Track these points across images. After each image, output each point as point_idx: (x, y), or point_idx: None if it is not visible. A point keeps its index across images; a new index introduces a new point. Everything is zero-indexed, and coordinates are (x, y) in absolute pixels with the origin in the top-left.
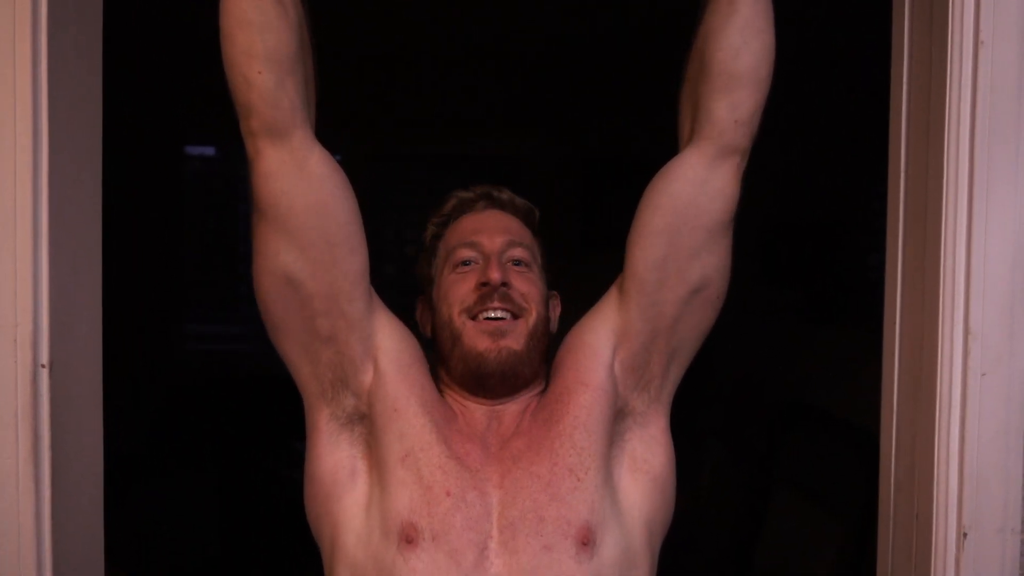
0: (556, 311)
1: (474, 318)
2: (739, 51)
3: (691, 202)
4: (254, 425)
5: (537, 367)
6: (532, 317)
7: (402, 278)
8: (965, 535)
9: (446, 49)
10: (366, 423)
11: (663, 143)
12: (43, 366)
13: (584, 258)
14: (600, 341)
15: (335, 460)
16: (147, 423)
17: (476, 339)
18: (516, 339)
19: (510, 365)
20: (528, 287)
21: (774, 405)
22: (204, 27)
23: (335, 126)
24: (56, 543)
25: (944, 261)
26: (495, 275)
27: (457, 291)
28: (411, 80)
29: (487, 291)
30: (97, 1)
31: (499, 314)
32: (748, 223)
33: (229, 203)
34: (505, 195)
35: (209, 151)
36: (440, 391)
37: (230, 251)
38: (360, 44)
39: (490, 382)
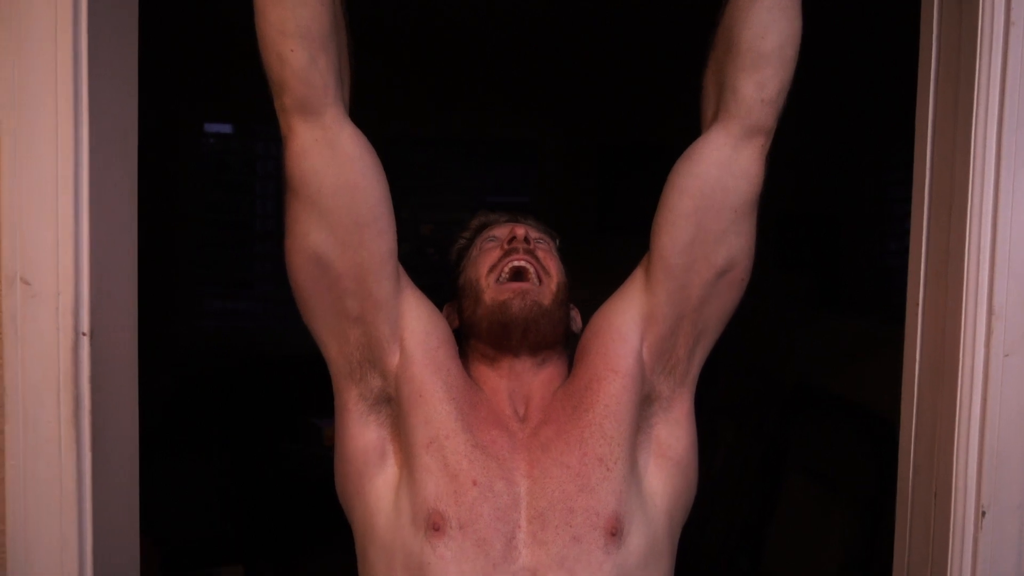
0: (577, 321)
1: (499, 281)
2: (767, 30)
3: (718, 183)
4: (268, 401)
5: (558, 332)
6: (555, 281)
7: (415, 258)
8: (984, 513)
9: (470, 36)
10: (393, 405)
11: (678, 131)
12: (84, 334)
13: (600, 243)
14: (628, 326)
15: (365, 440)
16: (164, 398)
17: (499, 292)
18: (540, 293)
19: (533, 315)
20: (551, 261)
21: (786, 388)
22: (223, 8)
23: (359, 109)
24: (96, 500)
25: (969, 242)
26: (520, 230)
27: (483, 259)
28: (434, 66)
29: (514, 245)
30: None
31: (523, 263)
32: (766, 210)
33: (246, 181)
34: (530, 220)
35: (227, 128)
36: (468, 370)
37: (247, 228)
38: (386, 30)
39: (514, 331)
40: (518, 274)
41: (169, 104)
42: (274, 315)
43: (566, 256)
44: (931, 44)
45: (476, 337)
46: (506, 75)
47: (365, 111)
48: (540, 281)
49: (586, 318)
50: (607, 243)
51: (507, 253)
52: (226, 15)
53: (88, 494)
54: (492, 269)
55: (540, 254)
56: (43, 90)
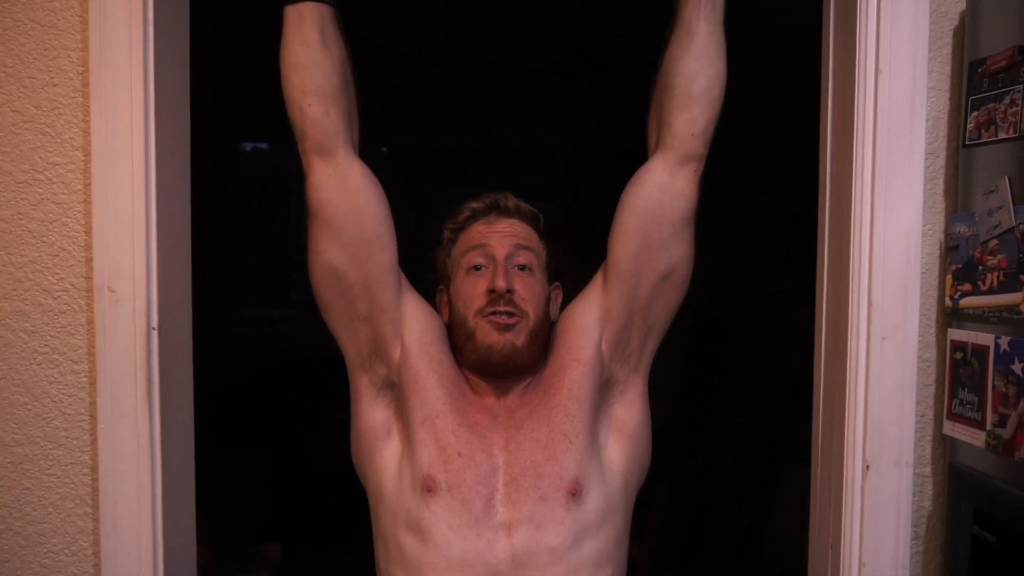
0: (557, 300)
1: (484, 317)
2: (695, 76)
3: (657, 203)
4: (303, 400)
5: (535, 358)
6: (531, 319)
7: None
8: (868, 467)
9: (484, 51)
10: (396, 390)
11: None
12: (153, 328)
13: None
14: (589, 323)
15: (374, 419)
16: (206, 400)
17: (487, 335)
18: (518, 335)
19: (512, 358)
20: (528, 292)
21: (786, 383)
22: (259, 37)
23: (381, 120)
24: (164, 455)
25: (853, 249)
26: (501, 283)
27: (471, 293)
28: (451, 79)
29: (495, 297)
30: (184, 21)
31: (504, 322)
32: (766, 215)
33: (282, 196)
34: (511, 202)
35: (263, 146)
36: (459, 363)
37: (282, 240)
38: (406, 46)
39: (497, 370)
40: (501, 326)
41: (209, 123)
42: (308, 321)
43: (552, 230)
44: (827, 95)
45: (464, 359)
46: (523, 87)
47: (390, 123)
48: (518, 323)
49: (560, 314)
50: None
51: (490, 302)
52: (259, 47)
53: (158, 450)
54: (479, 313)
55: (519, 292)
56: (122, 142)
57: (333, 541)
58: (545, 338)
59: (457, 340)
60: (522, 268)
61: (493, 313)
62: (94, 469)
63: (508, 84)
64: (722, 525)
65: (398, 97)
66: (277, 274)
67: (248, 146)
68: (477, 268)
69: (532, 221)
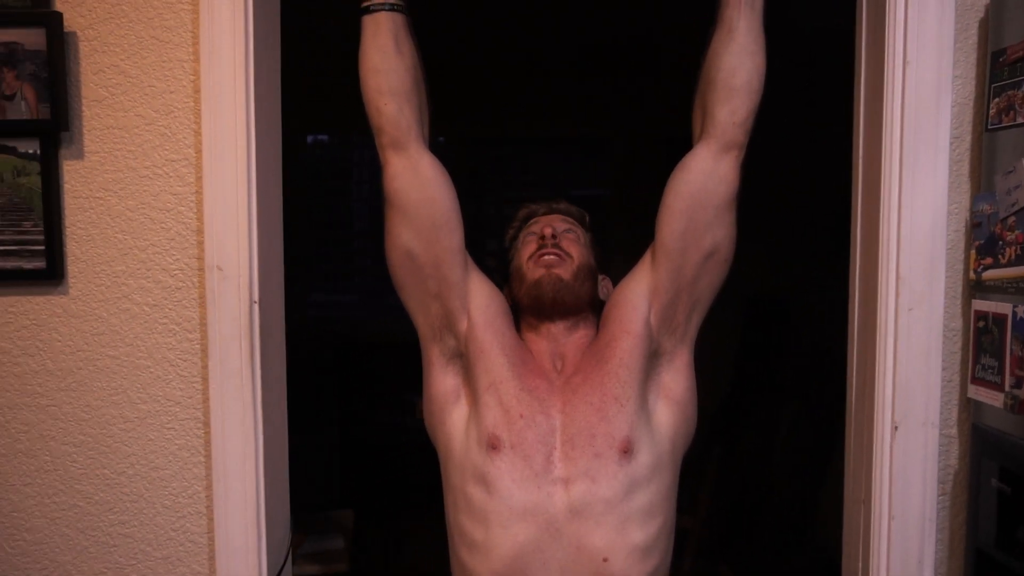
0: (605, 288)
1: (533, 259)
2: (736, 69)
3: (703, 187)
4: (369, 381)
5: (583, 302)
6: (575, 261)
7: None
8: (896, 427)
9: (537, 52)
10: (464, 359)
11: None
12: (255, 302)
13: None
14: (638, 298)
15: (444, 385)
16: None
17: (534, 271)
18: (563, 270)
19: (560, 289)
20: (572, 247)
21: (838, 363)
22: (322, 34)
23: (445, 115)
24: (264, 410)
25: (882, 228)
26: (547, 230)
27: (525, 250)
28: (507, 78)
29: (543, 242)
30: (276, 36)
31: (550, 256)
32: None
33: (344, 186)
34: (562, 205)
35: (323, 138)
36: (522, 336)
37: (346, 228)
38: (474, 52)
39: (546, 302)
40: (548, 264)
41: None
42: (368, 306)
43: (596, 232)
44: (860, 86)
45: (523, 310)
46: (581, 82)
47: (451, 117)
48: (563, 262)
49: (612, 291)
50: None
51: (540, 247)
52: (323, 50)
53: (260, 407)
54: (530, 257)
55: (564, 244)
56: (228, 141)
57: (400, 508)
58: (592, 286)
59: (515, 292)
60: (568, 232)
61: (541, 253)
62: (206, 424)
63: (558, 82)
64: (775, 502)
65: (458, 96)
66: (340, 260)
67: (310, 138)
68: (532, 235)
69: (579, 217)
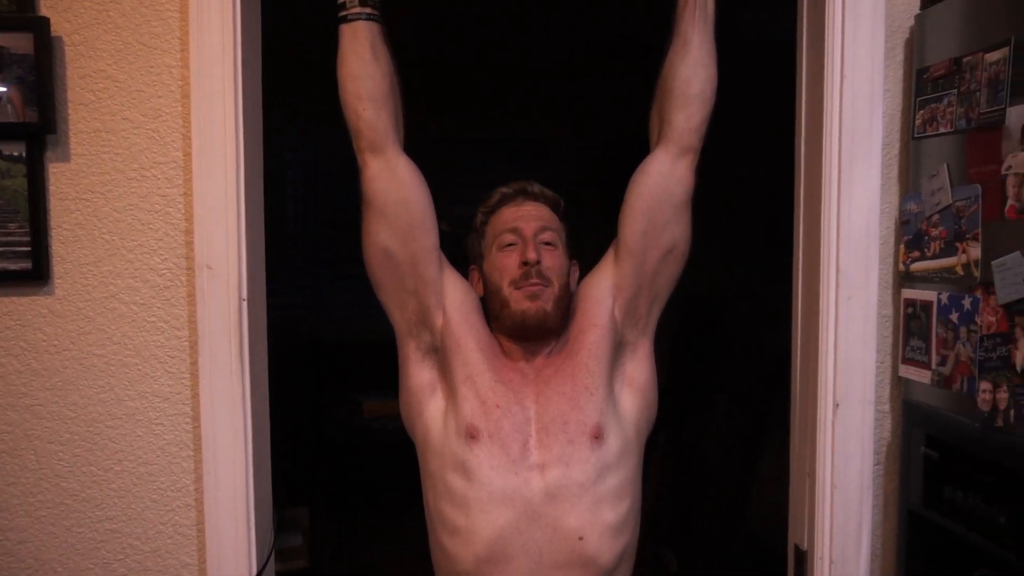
0: (575, 276)
1: (518, 288)
2: (691, 80)
3: (662, 188)
4: (318, 381)
5: (561, 321)
6: (556, 287)
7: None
8: (837, 405)
9: (493, 55)
10: (440, 354)
11: None
12: (243, 300)
13: (604, 226)
14: (603, 293)
15: (421, 379)
16: None
17: (520, 302)
18: (547, 301)
19: (544, 321)
20: (553, 263)
21: (770, 361)
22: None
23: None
24: (253, 400)
25: (823, 225)
26: (532, 255)
27: (505, 266)
28: (461, 80)
29: (527, 269)
30: (258, 44)
31: (535, 289)
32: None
33: (277, 185)
34: (536, 188)
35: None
36: (493, 332)
37: (280, 227)
38: (433, 55)
39: (530, 333)
40: (532, 295)
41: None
42: (311, 305)
43: (571, 235)
44: (801, 97)
45: (499, 326)
46: (521, 81)
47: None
48: (546, 289)
49: (579, 286)
50: (611, 228)
51: (524, 275)
52: (305, 67)
53: (248, 396)
54: (512, 283)
55: (546, 262)
56: (216, 145)
57: (354, 505)
58: (567, 305)
59: (492, 309)
60: (547, 244)
61: (526, 282)
62: (195, 419)
63: (508, 81)
64: (712, 493)
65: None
66: (277, 261)
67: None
68: (510, 245)
69: (554, 205)
